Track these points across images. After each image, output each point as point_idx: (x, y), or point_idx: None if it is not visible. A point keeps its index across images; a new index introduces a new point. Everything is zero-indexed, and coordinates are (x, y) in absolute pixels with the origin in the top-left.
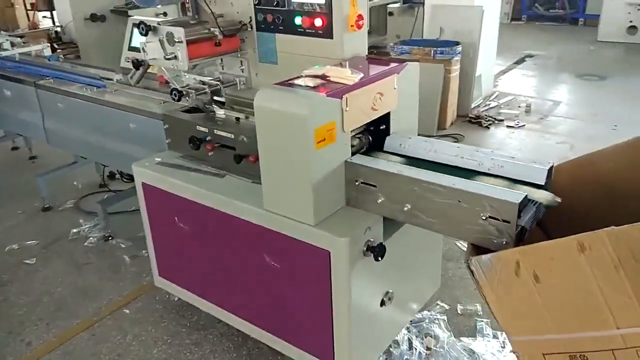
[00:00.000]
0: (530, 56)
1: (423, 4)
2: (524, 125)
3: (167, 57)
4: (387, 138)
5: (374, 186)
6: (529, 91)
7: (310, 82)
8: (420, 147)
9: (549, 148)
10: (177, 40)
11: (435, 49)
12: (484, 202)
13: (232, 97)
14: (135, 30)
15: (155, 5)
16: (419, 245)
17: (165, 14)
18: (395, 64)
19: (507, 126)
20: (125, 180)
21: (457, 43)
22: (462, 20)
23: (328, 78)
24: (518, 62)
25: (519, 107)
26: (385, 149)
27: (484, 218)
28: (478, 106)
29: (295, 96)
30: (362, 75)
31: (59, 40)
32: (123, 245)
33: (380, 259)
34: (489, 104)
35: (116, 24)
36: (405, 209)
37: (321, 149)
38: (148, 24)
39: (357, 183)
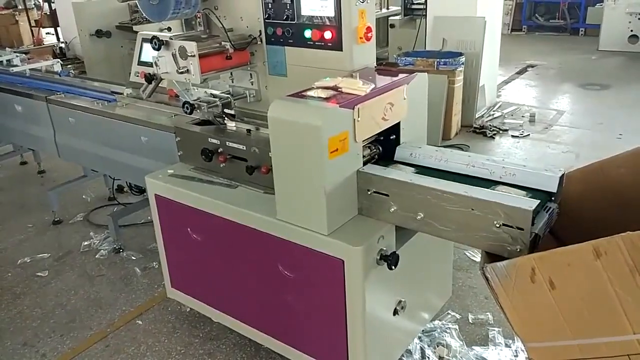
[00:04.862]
0: (532, 66)
1: (425, 15)
2: (528, 134)
3: (179, 70)
4: (398, 148)
5: (386, 195)
6: (532, 101)
7: (323, 93)
8: (430, 156)
9: (555, 157)
10: (189, 54)
11: (438, 60)
12: (497, 210)
13: (242, 110)
14: (145, 44)
15: (167, 20)
16: (430, 255)
17: (169, 29)
18: (405, 75)
19: (512, 136)
20: (134, 193)
21: (461, 54)
22: (465, 31)
23: (340, 89)
24: (520, 72)
25: (523, 116)
26: (395, 159)
27: (497, 226)
28: (482, 116)
29: (309, 107)
30: (373, 86)
31: (63, 56)
32: (134, 258)
33: (393, 267)
34: (492, 114)
35: (121, 39)
36: (418, 217)
37: (334, 159)
38: (161, 38)
39: (369, 192)
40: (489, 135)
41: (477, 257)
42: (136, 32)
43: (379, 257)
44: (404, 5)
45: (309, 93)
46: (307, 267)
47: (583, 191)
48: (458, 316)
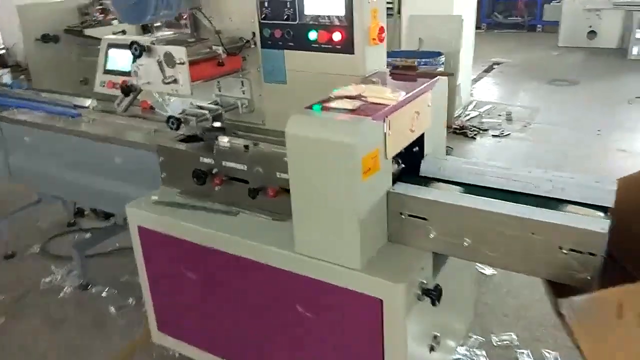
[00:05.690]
0: (498, 64)
1: (392, 15)
2: (509, 134)
3: (166, 81)
4: (423, 161)
5: (425, 219)
6: (505, 99)
7: (348, 104)
8: (461, 169)
9: (543, 157)
10: (177, 62)
11: (419, 60)
12: (564, 233)
13: (234, 123)
14: (112, 51)
15: (147, 22)
16: (459, 278)
17: (124, 32)
18: (426, 79)
19: (493, 135)
20: (101, 217)
21: (440, 53)
22: (442, 30)
23: (364, 98)
24: (487, 70)
25: (500, 115)
26: (421, 174)
27: (564, 251)
28: (459, 116)
29: (338, 122)
30: (403, 94)
31: (3, 63)
32: (105, 294)
33: (437, 303)
34: (469, 114)
35: (70, 44)
36: (465, 244)
37: (367, 180)
38: (142, 43)
39: (402, 216)
40: (470, 136)
41: (487, 271)
42: (87, 37)
43: (420, 292)
44: None
45: (332, 104)
46: (335, 307)
47: (635, 201)
48: (482, 339)
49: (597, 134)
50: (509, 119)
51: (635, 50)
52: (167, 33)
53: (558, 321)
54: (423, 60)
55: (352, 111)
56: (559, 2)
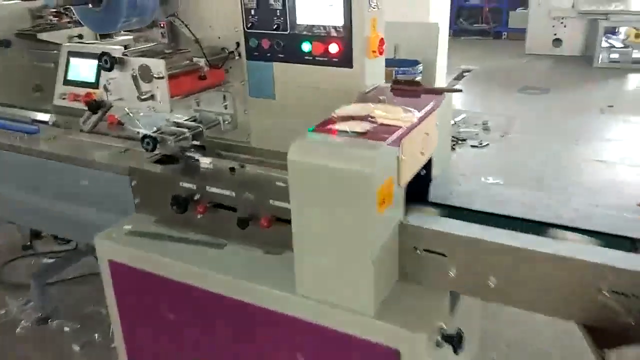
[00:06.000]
0: (467, 71)
1: None
2: (487, 144)
3: (142, 97)
4: (432, 185)
5: (443, 255)
6: (478, 107)
7: (358, 127)
8: (476, 194)
9: (525, 168)
10: (155, 76)
11: (396, 68)
12: (604, 273)
13: (214, 140)
14: (73, 60)
15: (118, 30)
16: (469, 312)
17: (80, 37)
18: (433, 96)
19: (472, 146)
20: (60, 242)
21: (417, 61)
22: (418, 38)
23: (372, 119)
24: (457, 78)
25: (475, 124)
26: (431, 200)
27: (605, 293)
28: None
29: (350, 148)
30: (417, 113)
31: None
32: (67, 329)
33: (459, 351)
34: None
35: (23, 49)
36: (491, 284)
37: (382, 213)
38: (113, 55)
39: (417, 251)
40: None
41: None
42: (41, 41)
43: (440, 338)
44: None
45: (339, 127)
46: (342, 358)
47: None
48: None
49: (575, 144)
50: (485, 128)
51: (600, 58)
52: (128, 37)
53: (564, 352)
54: (401, 69)
55: (361, 134)
56: (524, 9)
